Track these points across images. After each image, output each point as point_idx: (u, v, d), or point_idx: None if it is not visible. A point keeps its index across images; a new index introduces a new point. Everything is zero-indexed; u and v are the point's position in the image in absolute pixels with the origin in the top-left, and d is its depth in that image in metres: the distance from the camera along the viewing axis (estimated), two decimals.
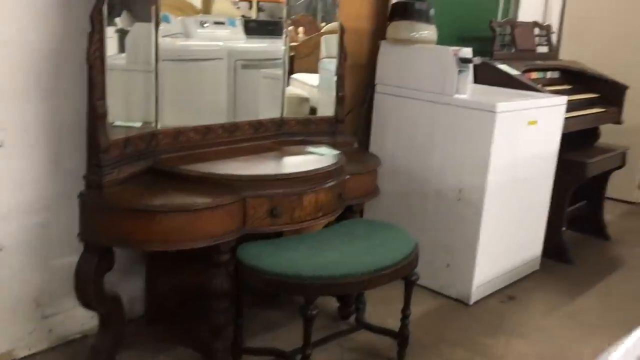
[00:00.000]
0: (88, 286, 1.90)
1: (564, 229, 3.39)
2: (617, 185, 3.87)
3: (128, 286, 2.37)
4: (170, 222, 1.81)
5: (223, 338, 2.04)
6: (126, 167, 1.95)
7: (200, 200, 1.85)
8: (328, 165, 2.17)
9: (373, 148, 3.02)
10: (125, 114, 2.02)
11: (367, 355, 2.35)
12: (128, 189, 1.89)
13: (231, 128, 2.34)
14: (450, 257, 2.81)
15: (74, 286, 1.93)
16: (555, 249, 3.35)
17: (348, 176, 2.33)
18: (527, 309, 2.84)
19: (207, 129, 2.26)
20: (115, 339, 2.05)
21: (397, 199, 2.96)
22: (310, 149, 2.42)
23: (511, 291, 2.99)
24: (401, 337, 2.23)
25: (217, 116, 2.34)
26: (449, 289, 2.84)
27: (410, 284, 2.17)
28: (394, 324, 2.32)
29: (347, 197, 2.35)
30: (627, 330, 1.21)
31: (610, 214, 4.01)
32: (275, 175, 2.03)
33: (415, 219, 2.89)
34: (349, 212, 2.45)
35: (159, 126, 2.11)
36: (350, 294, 2.46)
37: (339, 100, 2.67)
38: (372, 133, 3.04)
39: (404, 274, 2.09)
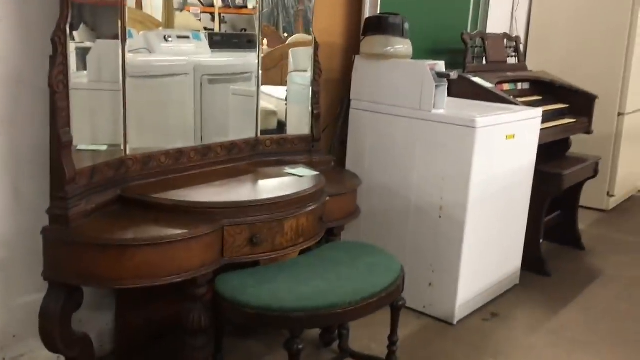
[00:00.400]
0: (54, 328, 1.75)
1: (541, 241, 3.37)
2: (587, 193, 3.89)
3: (96, 321, 2.22)
4: (143, 257, 1.68)
5: None
6: (94, 197, 1.81)
7: (176, 232, 1.73)
8: (309, 188, 2.07)
9: (350, 166, 2.94)
10: (88, 136, 1.88)
11: None
12: (96, 221, 1.76)
13: (204, 151, 2.23)
14: (433, 276, 2.73)
15: (38, 329, 1.77)
16: (533, 261, 3.32)
17: (328, 198, 2.24)
18: (511, 327, 2.78)
19: (179, 153, 2.14)
20: None
21: (376, 218, 2.88)
22: (288, 169, 2.31)
23: (494, 308, 2.93)
24: None
25: (187, 138, 2.22)
26: (433, 309, 2.77)
27: (396, 309, 2.08)
28: (379, 349, 2.24)
29: (328, 220, 2.26)
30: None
31: (582, 222, 4.01)
32: (255, 201, 1.92)
33: (396, 238, 2.81)
34: (330, 234, 2.36)
35: (127, 150, 1.98)
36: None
37: (315, 117, 2.58)
38: (349, 150, 2.96)
39: (391, 300, 2.01)
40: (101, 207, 1.83)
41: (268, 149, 2.49)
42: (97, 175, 1.85)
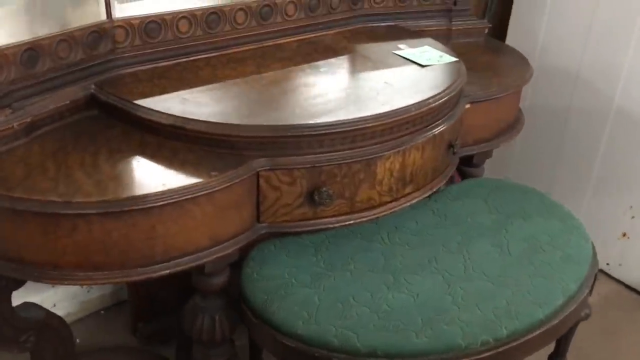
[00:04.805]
0: None
1: None
2: None
3: None
4: (101, 232, 0.89)
5: None
6: (36, 102, 1.01)
7: (159, 188, 0.90)
8: (432, 95, 1.10)
9: (513, 37, 1.85)
10: None
11: None
12: (30, 152, 0.97)
13: (261, 11, 1.30)
14: (632, 223, 1.71)
15: None
16: None
17: (469, 105, 1.26)
18: None
19: (214, 15, 1.24)
20: None
21: (544, 131, 1.83)
22: (402, 49, 1.33)
23: None
24: None
25: None
26: (623, 271, 1.78)
27: (574, 328, 1.16)
28: None
29: (465, 143, 1.30)
30: None
31: None
32: (321, 125, 1.00)
33: (574, 162, 1.78)
34: (467, 165, 1.41)
35: (115, 11, 1.12)
36: None
37: None
38: (515, 10, 1.84)
39: (573, 320, 1.08)
40: (52, 118, 1.03)
41: (378, 7, 1.50)
42: (47, 60, 1.03)
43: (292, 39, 1.37)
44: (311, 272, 1.04)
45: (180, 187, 0.90)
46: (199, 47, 1.24)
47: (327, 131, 1.00)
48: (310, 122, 1.00)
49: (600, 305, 1.70)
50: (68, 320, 1.54)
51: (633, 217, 1.70)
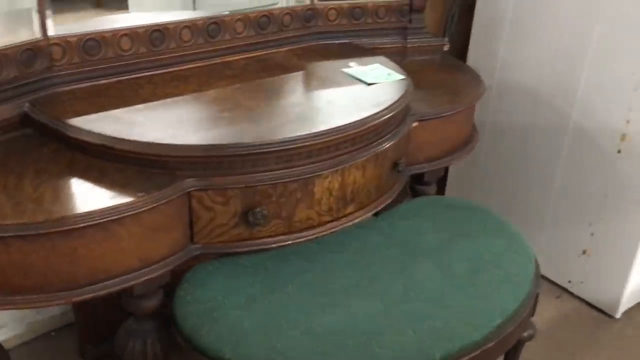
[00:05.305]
0: None
1: None
2: None
3: None
4: (31, 255, 0.86)
5: None
6: None
7: (82, 206, 0.87)
8: (372, 115, 1.09)
9: (474, 55, 1.85)
10: None
11: None
12: None
13: (208, 27, 1.29)
14: (591, 240, 1.70)
15: None
16: None
17: (416, 123, 1.25)
18: None
19: (157, 32, 1.23)
20: None
21: (502, 145, 1.83)
22: (352, 66, 1.32)
23: None
24: None
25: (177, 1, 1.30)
26: (584, 288, 1.77)
27: (519, 346, 1.14)
28: None
29: (413, 161, 1.29)
30: None
31: None
32: (254, 144, 0.98)
33: (535, 177, 1.77)
34: (418, 182, 1.40)
35: (51, 27, 1.10)
36: None
37: None
38: (475, 29, 1.84)
39: (514, 338, 1.06)
40: None
41: (332, 25, 1.50)
42: None
43: (242, 57, 1.36)
44: (246, 295, 1.01)
45: (103, 208, 0.87)
46: (142, 65, 1.23)
47: (261, 150, 0.98)
48: (244, 141, 0.98)
49: (561, 323, 1.69)
50: (15, 342, 1.51)
51: (592, 234, 1.69)
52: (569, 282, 1.79)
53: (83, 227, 0.86)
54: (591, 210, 1.68)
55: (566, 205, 1.73)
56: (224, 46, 1.33)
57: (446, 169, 2.01)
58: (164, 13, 1.31)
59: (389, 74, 1.29)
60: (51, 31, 1.11)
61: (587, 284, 1.75)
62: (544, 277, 1.83)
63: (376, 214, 1.21)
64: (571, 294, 1.80)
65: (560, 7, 1.61)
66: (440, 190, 2.05)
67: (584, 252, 1.73)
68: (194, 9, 1.35)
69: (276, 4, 1.45)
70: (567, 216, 1.73)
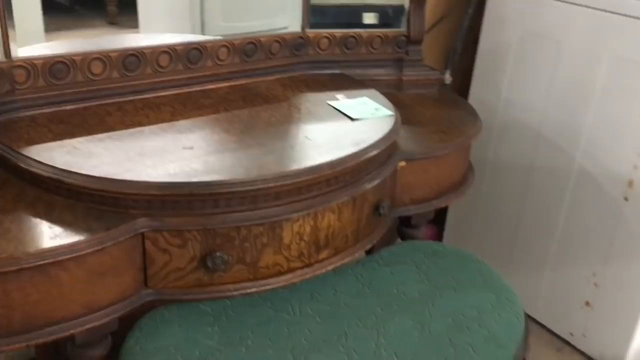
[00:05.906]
0: None
1: None
2: None
3: None
4: None
5: None
6: None
7: (15, 247, 0.80)
8: (350, 155, 1.01)
9: (476, 90, 1.77)
10: None
11: None
12: None
13: (190, 53, 1.23)
14: (595, 292, 1.59)
15: None
16: None
17: (403, 163, 1.17)
18: None
19: (132, 56, 1.16)
20: None
21: (505, 189, 1.73)
22: (338, 99, 1.25)
23: None
24: None
25: (170, 21, 1.24)
26: (587, 342, 1.65)
27: None
28: None
29: (400, 203, 1.20)
30: None
31: None
32: (214, 183, 0.90)
33: (536, 221, 1.67)
34: (407, 225, 1.31)
35: (15, 50, 1.04)
36: None
37: (417, 1, 1.44)
38: (478, 64, 1.76)
39: None
40: None
41: (324, 54, 1.42)
42: None
43: (224, 85, 1.29)
44: (201, 347, 0.93)
45: (41, 250, 0.80)
46: (113, 90, 1.16)
47: (222, 190, 0.90)
48: (204, 179, 0.90)
49: None
50: None
51: (596, 285, 1.58)
52: (571, 334, 1.68)
53: (17, 269, 0.79)
54: (595, 260, 1.57)
55: (568, 254, 1.62)
56: (205, 73, 1.26)
57: (445, 209, 1.92)
58: (161, 35, 1.24)
59: (376, 109, 1.21)
60: (16, 53, 1.05)
61: (590, 337, 1.64)
62: (544, 327, 1.72)
63: (357, 259, 1.12)
64: (573, 347, 1.68)
65: (566, 44, 1.53)
66: (439, 231, 1.96)
67: (587, 303, 1.62)
68: (203, 33, 1.29)
69: (287, 28, 1.39)
70: (569, 265, 1.62)
